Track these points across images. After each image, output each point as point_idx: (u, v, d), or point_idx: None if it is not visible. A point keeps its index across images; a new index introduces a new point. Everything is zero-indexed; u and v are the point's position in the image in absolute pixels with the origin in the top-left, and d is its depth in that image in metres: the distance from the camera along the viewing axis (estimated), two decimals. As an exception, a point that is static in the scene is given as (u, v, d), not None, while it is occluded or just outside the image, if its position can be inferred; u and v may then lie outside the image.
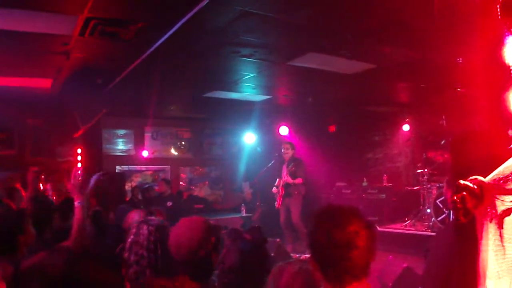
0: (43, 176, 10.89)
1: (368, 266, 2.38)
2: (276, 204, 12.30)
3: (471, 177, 3.04)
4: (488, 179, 3.05)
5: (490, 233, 3.04)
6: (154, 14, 6.61)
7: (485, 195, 3.02)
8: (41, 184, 10.78)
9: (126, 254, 3.68)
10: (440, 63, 8.79)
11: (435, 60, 8.75)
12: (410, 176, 14.45)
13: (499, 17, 3.09)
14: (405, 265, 7.43)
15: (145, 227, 3.75)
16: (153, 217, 4.10)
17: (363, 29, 7.42)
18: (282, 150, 12.44)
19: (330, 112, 15.58)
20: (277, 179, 12.46)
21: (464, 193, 2.96)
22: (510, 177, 2.98)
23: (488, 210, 3.05)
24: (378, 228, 12.43)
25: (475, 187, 2.99)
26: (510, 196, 2.99)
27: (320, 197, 15.23)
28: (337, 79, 10.51)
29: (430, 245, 5.01)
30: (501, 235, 3.00)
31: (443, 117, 11.79)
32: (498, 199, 3.02)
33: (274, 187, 12.44)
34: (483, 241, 3.07)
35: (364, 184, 14.83)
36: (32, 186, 6.21)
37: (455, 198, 2.95)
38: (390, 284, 7.26)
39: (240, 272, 3.50)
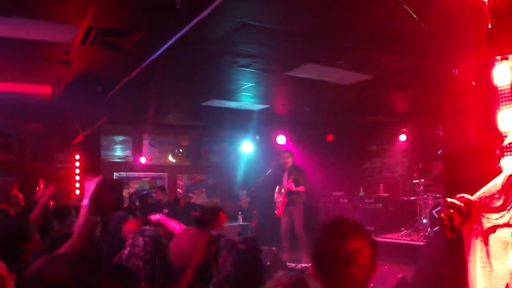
0: (41, 182, 10.95)
1: (367, 281, 2.43)
2: (277, 212, 12.29)
3: (458, 195, 3.11)
4: (475, 197, 3.12)
5: (476, 249, 3.10)
6: (154, 25, 6.68)
7: (472, 213, 3.09)
8: (37, 189, 10.84)
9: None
10: (436, 73, 8.84)
11: (432, 70, 8.80)
12: (406, 186, 14.50)
13: (486, 44, 3.16)
14: (400, 275, 7.47)
15: (140, 238, 3.81)
16: (147, 227, 4.16)
17: (360, 40, 7.50)
18: (282, 159, 12.47)
19: (327, 122, 15.64)
20: (277, 187, 12.48)
21: (451, 210, 3.03)
22: (496, 196, 3.05)
23: (475, 227, 3.12)
24: (374, 238, 12.47)
25: (462, 204, 3.06)
26: (496, 214, 3.06)
27: (317, 206, 15.29)
28: (334, 89, 10.57)
29: (420, 252, 5.10)
30: (487, 252, 3.07)
31: (440, 127, 11.83)
32: (484, 216, 3.09)
33: (276, 193, 12.48)
34: (470, 258, 3.13)
35: (361, 193, 14.89)
36: (47, 197, 6.18)
37: (442, 215, 3.03)
38: (385, 295, 7.30)
39: (235, 282, 3.56)
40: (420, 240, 11.53)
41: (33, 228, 4.43)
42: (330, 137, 16.51)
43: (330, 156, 16.27)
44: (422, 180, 12.38)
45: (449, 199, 3.09)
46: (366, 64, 8.89)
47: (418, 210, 12.40)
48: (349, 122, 15.37)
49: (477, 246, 3.11)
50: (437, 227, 11.09)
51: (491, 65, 3.28)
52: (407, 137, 14.73)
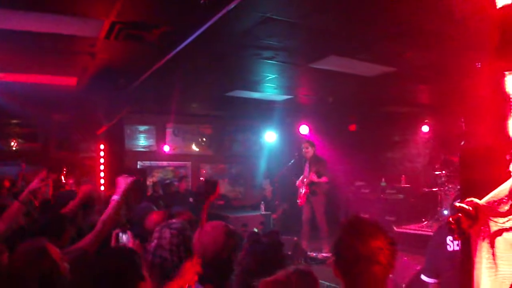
0: (65, 170, 11.14)
1: (386, 279, 2.52)
2: (299, 202, 12.39)
3: (467, 199, 3.19)
4: (483, 201, 3.21)
5: (483, 251, 3.19)
6: (177, 19, 6.75)
7: (479, 216, 3.17)
8: (63, 177, 11.04)
9: (150, 257, 3.85)
10: (459, 66, 8.83)
11: (455, 63, 8.80)
12: (428, 177, 14.42)
13: (495, 58, 3.22)
14: (419, 267, 7.51)
15: (167, 231, 3.92)
16: (174, 220, 4.25)
17: (384, 33, 7.50)
18: (303, 149, 12.54)
19: (350, 112, 15.64)
20: (301, 177, 12.56)
21: (460, 214, 3.12)
22: (504, 200, 3.13)
23: (482, 230, 3.20)
24: (395, 229, 12.50)
25: (470, 208, 3.15)
26: (503, 218, 3.14)
27: (339, 196, 15.30)
28: (357, 81, 10.57)
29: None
30: (493, 254, 3.16)
31: (462, 119, 11.78)
32: (491, 220, 3.17)
33: (298, 183, 12.56)
34: (477, 259, 3.23)
35: (383, 184, 14.85)
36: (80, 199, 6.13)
37: (450, 219, 3.11)
38: (403, 286, 7.36)
39: (256, 274, 3.65)
40: (441, 231, 11.52)
41: (64, 226, 4.57)
42: (352, 127, 16.51)
43: (352, 146, 16.25)
44: (443, 171, 12.34)
45: (457, 203, 3.17)
46: (389, 58, 8.88)
47: (439, 201, 12.39)
48: (372, 113, 15.35)
49: (484, 248, 3.20)
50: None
51: (502, 73, 3.33)
52: (429, 128, 14.66)
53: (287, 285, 3.14)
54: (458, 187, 11.46)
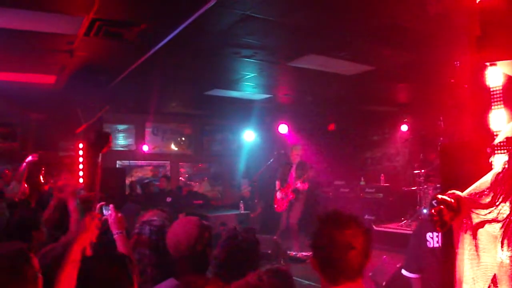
0: (43, 170, 11.04)
1: (362, 268, 2.54)
2: (277, 207, 12.24)
3: (449, 191, 3.22)
4: (465, 193, 3.24)
5: (465, 243, 3.23)
6: (157, 16, 6.73)
7: (461, 208, 3.21)
8: (41, 177, 10.93)
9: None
10: (438, 64, 8.89)
11: (434, 62, 8.85)
12: (407, 176, 14.51)
13: (477, 49, 3.25)
14: (398, 265, 7.54)
15: (147, 227, 3.93)
16: (154, 218, 4.25)
17: (363, 32, 7.53)
18: (288, 152, 12.44)
19: (329, 111, 15.66)
20: (277, 182, 12.38)
21: (442, 206, 3.15)
22: (485, 192, 3.17)
23: (464, 221, 3.24)
24: (375, 228, 12.56)
25: (452, 201, 3.18)
26: (485, 210, 3.18)
27: (318, 195, 15.34)
28: (336, 80, 10.60)
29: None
30: (476, 245, 3.20)
31: (441, 118, 11.86)
32: (473, 212, 3.21)
33: (277, 192, 12.30)
34: (459, 250, 3.26)
35: (362, 183, 14.92)
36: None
37: (432, 211, 3.15)
38: (383, 283, 7.38)
39: (231, 270, 3.67)
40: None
41: (40, 219, 4.53)
42: (331, 127, 16.55)
43: (331, 145, 16.31)
44: (422, 170, 12.42)
45: (439, 196, 3.21)
46: (368, 56, 8.92)
47: (418, 200, 12.46)
48: (351, 112, 15.39)
49: (466, 239, 3.24)
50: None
51: (483, 67, 3.38)
52: (408, 128, 14.74)
53: (258, 286, 3.15)
54: (437, 185, 11.55)
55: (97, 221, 3.19)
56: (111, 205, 4.30)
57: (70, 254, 2.91)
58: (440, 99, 11.57)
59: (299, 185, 11.79)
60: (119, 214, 4.18)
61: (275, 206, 12.28)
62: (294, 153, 12.27)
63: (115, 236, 4.07)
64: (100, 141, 4.69)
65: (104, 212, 4.33)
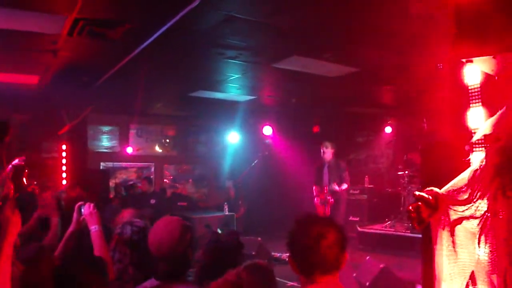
0: (27, 171, 10.97)
1: (338, 262, 2.57)
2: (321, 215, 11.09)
3: (427, 188, 3.25)
4: (443, 190, 3.27)
5: (443, 239, 3.26)
6: (141, 16, 6.71)
7: (439, 205, 3.23)
8: (24, 179, 10.86)
9: (111, 253, 3.83)
10: (421, 67, 8.92)
11: (417, 64, 8.88)
12: (391, 178, 14.59)
13: (453, 46, 3.28)
14: (382, 265, 7.58)
15: (128, 227, 3.92)
16: (137, 219, 4.24)
17: (347, 34, 7.56)
18: (324, 152, 11.33)
19: (313, 113, 15.67)
20: (314, 187, 11.52)
21: (419, 203, 3.18)
22: (463, 189, 3.20)
23: (442, 218, 3.26)
24: (359, 229, 12.62)
25: (430, 197, 3.21)
26: (462, 206, 3.21)
27: (303, 196, 15.36)
28: (321, 81, 10.61)
29: None
30: (453, 242, 3.23)
31: (424, 120, 11.88)
32: (451, 209, 3.24)
33: (315, 198, 11.37)
34: (438, 247, 3.29)
35: (346, 184, 14.97)
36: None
37: (410, 207, 3.17)
38: (367, 284, 7.41)
39: (213, 272, 3.67)
40: (404, 231, 11.66)
41: None
42: (316, 129, 16.57)
43: (316, 147, 16.33)
44: (406, 171, 12.50)
45: (417, 192, 3.24)
46: (352, 58, 8.94)
47: (402, 201, 12.53)
48: (335, 114, 15.40)
49: (444, 236, 3.27)
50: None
51: (461, 65, 3.41)
52: (392, 129, 14.82)
53: (238, 283, 3.16)
54: (420, 187, 11.59)
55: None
56: (87, 203, 4.28)
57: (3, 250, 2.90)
58: (423, 101, 11.60)
59: (336, 188, 10.90)
60: (94, 210, 4.18)
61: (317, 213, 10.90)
62: (324, 151, 11.33)
63: (92, 232, 4.07)
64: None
65: (83, 211, 4.31)
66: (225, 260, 3.82)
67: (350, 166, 15.99)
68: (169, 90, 12.33)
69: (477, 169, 3.19)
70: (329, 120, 15.79)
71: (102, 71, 9.59)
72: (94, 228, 4.09)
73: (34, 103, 12.56)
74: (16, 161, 7.18)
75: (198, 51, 8.53)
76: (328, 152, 11.25)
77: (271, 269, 3.51)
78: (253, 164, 13.62)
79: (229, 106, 14.15)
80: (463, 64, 3.38)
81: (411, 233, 11.16)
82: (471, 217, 3.18)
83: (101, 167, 15.83)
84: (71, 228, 4.38)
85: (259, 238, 10.17)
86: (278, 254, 10.97)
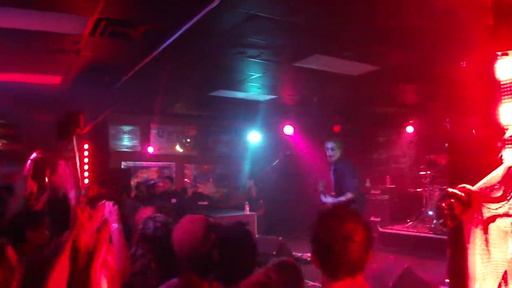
0: (48, 172, 11.02)
1: (363, 263, 2.52)
2: None
3: (460, 185, 3.19)
4: (476, 187, 3.21)
5: (476, 238, 3.20)
6: (163, 16, 6.70)
7: (472, 203, 3.18)
8: (47, 179, 10.92)
9: (133, 249, 3.82)
10: (445, 64, 8.83)
11: (440, 62, 8.80)
12: (413, 178, 14.49)
13: (489, 40, 3.23)
14: (405, 265, 7.53)
15: (151, 222, 3.91)
16: (159, 214, 4.23)
17: (368, 32, 7.50)
18: (327, 151, 9.36)
19: (335, 112, 15.60)
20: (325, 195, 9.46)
21: (452, 200, 3.12)
22: (496, 186, 3.14)
23: (475, 216, 3.20)
24: (380, 229, 12.54)
25: (463, 194, 3.15)
26: (495, 204, 3.15)
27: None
28: (342, 80, 10.57)
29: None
30: (486, 240, 3.17)
31: (447, 119, 11.77)
32: (484, 206, 3.18)
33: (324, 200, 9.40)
34: (470, 245, 3.23)
35: (367, 184, 14.88)
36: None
37: (443, 204, 3.12)
38: (390, 284, 7.35)
39: (226, 268, 3.62)
40: (426, 232, 11.58)
41: (42, 221, 4.48)
42: (337, 128, 16.49)
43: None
44: (428, 172, 12.43)
45: (450, 189, 3.18)
46: (374, 56, 8.88)
47: (424, 202, 12.46)
48: (357, 113, 15.33)
49: (477, 234, 3.21)
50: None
51: (493, 60, 3.35)
52: (414, 129, 14.73)
53: (267, 283, 3.12)
54: (443, 187, 11.51)
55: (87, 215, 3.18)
56: (107, 202, 4.27)
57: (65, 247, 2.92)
58: (446, 100, 11.50)
59: (328, 200, 9.26)
60: (114, 208, 4.16)
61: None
62: (328, 148, 9.32)
63: (111, 230, 4.06)
64: (69, 122, 4.59)
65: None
66: (238, 254, 3.75)
67: (371, 166, 15.95)
68: (190, 89, 12.33)
69: (510, 166, 3.14)
70: (350, 119, 15.72)
71: (123, 71, 9.61)
72: (114, 226, 4.08)
73: (57, 104, 12.60)
74: (34, 155, 7.20)
75: (219, 50, 8.52)
76: (331, 152, 9.25)
77: (299, 267, 3.46)
78: (274, 163, 13.56)
79: (249, 106, 14.12)
80: (495, 58, 3.32)
81: (433, 234, 11.08)
82: (505, 215, 3.12)
83: (122, 167, 15.89)
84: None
85: (280, 238, 10.13)
86: (299, 254, 10.92)
